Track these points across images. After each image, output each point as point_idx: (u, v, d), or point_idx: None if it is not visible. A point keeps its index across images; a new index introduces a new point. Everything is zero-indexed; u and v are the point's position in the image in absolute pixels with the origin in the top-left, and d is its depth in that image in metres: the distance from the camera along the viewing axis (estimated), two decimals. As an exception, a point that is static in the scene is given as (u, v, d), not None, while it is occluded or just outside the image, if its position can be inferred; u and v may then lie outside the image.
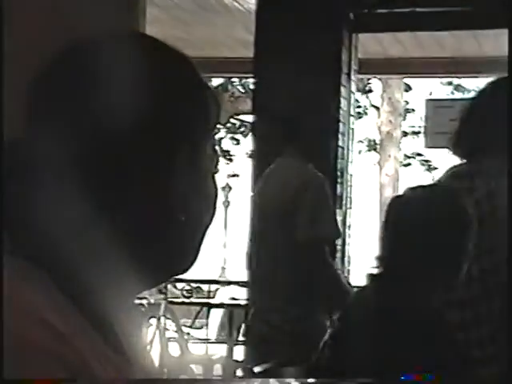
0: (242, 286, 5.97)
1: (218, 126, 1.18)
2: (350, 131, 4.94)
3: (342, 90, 4.82)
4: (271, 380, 1.54)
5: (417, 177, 16.53)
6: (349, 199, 4.91)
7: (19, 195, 1.05)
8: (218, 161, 1.12)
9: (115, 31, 1.14)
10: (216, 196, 1.11)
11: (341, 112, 4.81)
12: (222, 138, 16.52)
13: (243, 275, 4.88)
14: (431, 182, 4.08)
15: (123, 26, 1.26)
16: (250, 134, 13.51)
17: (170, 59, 1.10)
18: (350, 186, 4.93)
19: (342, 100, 4.82)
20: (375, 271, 2.44)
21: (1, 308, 0.96)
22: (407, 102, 15.99)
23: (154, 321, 6.16)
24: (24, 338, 0.93)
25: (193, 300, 7.50)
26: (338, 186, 4.76)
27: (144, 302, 5.88)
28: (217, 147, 1.13)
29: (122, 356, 1.09)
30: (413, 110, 16.70)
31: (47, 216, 1.02)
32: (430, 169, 17.65)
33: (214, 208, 1.11)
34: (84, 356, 0.97)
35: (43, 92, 1.08)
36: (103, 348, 1.05)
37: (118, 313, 1.09)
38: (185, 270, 1.10)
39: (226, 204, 17.66)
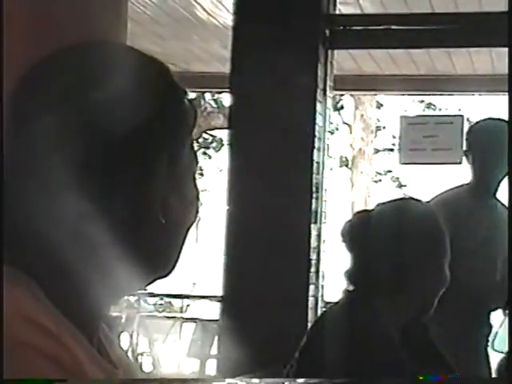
0: (214, 300, 5.95)
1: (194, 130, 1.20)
2: (326, 147, 4.96)
3: (318, 105, 4.84)
4: (270, 380, 1.51)
5: (388, 193, 16.61)
6: (324, 214, 4.92)
7: (9, 206, 1.04)
8: (197, 162, 1.13)
9: (90, 41, 1.14)
10: (197, 197, 1.12)
11: (316, 128, 4.83)
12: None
13: (213, 290, 4.88)
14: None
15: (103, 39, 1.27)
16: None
17: (144, 66, 1.10)
18: (325, 201, 4.95)
19: (318, 116, 4.84)
20: (347, 287, 2.44)
21: (1, 310, 0.97)
22: (379, 120, 16.08)
23: (126, 335, 6.13)
24: (18, 339, 0.93)
25: (165, 315, 7.47)
26: (314, 201, 4.78)
27: (117, 315, 5.85)
28: (195, 149, 1.13)
29: (107, 359, 1.10)
30: (384, 127, 16.80)
31: (30, 224, 1.02)
32: (400, 186, 17.77)
33: (196, 208, 1.11)
34: (77, 356, 0.98)
35: (26, 101, 1.07)
36: (92, 350, 1.05)
37: (100, 318, 1.10)
38: (168, 273, 1.10)
39: (197, 219, 17.63)
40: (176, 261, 1.11)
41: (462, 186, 3.94)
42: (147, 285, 1.14)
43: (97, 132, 1.03)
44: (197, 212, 1.12)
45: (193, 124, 1.12)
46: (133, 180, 1.04)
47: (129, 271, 1.07)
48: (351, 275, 2.37)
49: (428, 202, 3.73)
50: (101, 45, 1.14)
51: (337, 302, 2.43)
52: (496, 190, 3.88)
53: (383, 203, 2.44)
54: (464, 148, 4.04)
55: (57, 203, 1.02)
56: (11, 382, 0.93)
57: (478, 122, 4.11)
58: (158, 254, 1.09)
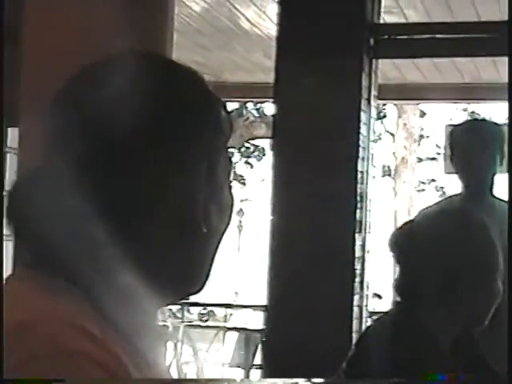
0: (257, 310, 5.94)
1: (232, 149, 1.21)
2: (370, 156, 4.95)
3: (362, 115, 4.84)
4: (276, 380, 1.48)
5: (431, 203, 16.46)
6: (368, 224, 4.91)
7: (37, 211, 1.04)
8: (231, 170, 1.13)
9: (128, 52, 1.14)
10: (232, 205, 1.12)
11: (361, 137, 4.83)
12: (236, 163, 16.53)
13: (256, 299, 4.87)
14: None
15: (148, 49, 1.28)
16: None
17: (180, 77, 1.11)
18: (369, 210, 4.93)
19: (362, 125, 4.83)
20: (395, 298, 2.40)
21: (1, 310, 0.98)
22: (422, 128, 15.97)
23: (170, 345, 6.14)
24: (72, 349, 0.94)
25: (209, 324, 7.48)
26: (358, 210, 4.77)
27: (164, 324, 5.87)
28: (231, 158, 1.14)
29: (149, 366, 1.09)
30: (427, 136, 16.69)
31: (66, 230, 1.02)
32: (444, 195, 17.62)
33: (230, 218, 1.12)
34: (122, 360, 0.98)
35: (62, 107, 1.08)
36: (136, 356, 1.04)
37: (141, 326, 1.09)
38: (202, 285, 1.11)
39: (240, 228, 17.63)
40: (209, 273, 1.10)
41: (456, 195, 3.88)
42: (181, 299, 1.14)
43: (139, 142, 1.04)
44: (230, 220, 1.12)
45: (229, 133, 1.13)
46: (176, 190, 1.05)
47: (169, 280, 1.07)
48: (399, 286, 2.33)
49: (421, 212, 3.72)
50: (137, 55, 1.14)
51: (385, 313, 2.40)
52: (489, 188, 3.77)
53: (428, 209, 2.40)
54: (448, 154, 4.02)
55: (103, 214, 1.03)
56: (11, 382, 0.93)
57: (456, 126, 4.10)
58: (196, 266, 1.09)
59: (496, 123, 4.22)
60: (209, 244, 1.09)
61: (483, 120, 4.02)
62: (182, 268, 1.08)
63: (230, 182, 1.13)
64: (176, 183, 1.05)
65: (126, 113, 1.04)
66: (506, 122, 4.90)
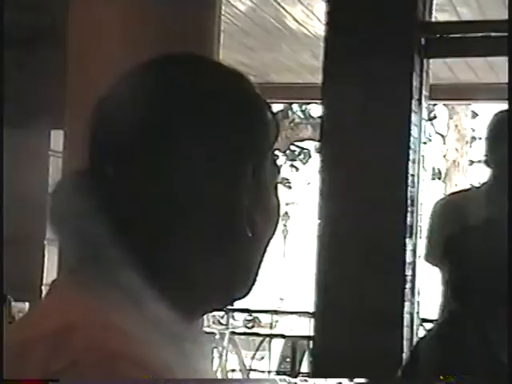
0: (303, 316, 5.92)
1: (277, 151, 1.21)
2: (421, 159, 4.91)
3: (413, 116, 4.80)
4: (276, 379, 1.47)
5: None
6: (419, 229, 4.87)
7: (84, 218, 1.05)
8: (278, 173, 1.14)
9: (174, 54, 1.14)
10: (278, 209, 1.12)
11: (411, 139, 4.79)
12: (281, 165, 16.56)
13: (302, 306, 4.87)
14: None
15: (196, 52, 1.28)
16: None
17: (226, 79, 1.11)
18: (421, 215, 4.89)
19: (413, 127, 4.80)
20: (451, 305, 2.37)
21: (1, 311, 0.99)
22: (474, 130, 15.83)
23: (216, 352, 6.16)
24: (103, 348, 0.95)
25: (254, 331, 7.50)
26: (409, 214, 4.74)
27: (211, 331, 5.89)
28: (276, 160, 1.14)
29: (194, 370, 1.10)
30: (479, 138, 16.52)
31: (106, 234, 1.04)
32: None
33: (276, 222, 1.12)
34: (163, 361, 0.99)
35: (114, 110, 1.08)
36: (178, 358, 1.05)
37: (185, 330, 1.09)
38: (247, 292, 1.10)
39: (285, 232, 17.64)
40: (255, 278, 1.10)
41: (483, 184, 3.66)
42: (227, 304, 1.15)
43: (182, 145, 1.04)
44: (277, 224, 1.12)
45: (275, 136, 1.12)
46: (218, 192, 1.05)
47: (214, 286, 1.08)
48: (456, 293, 2.30)
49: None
50: (182, 58, 1.15)
51: (442, 321, 2.37)
52: None
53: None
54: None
55: (145, 217, 1.04)
56: (10, 382, 0.94)
57: (502, 112, 3.68)
58: (242, 271, 1.09)
59: None
60: (254, 249, 1.09)
61: None
62: (227, 273, 1.08)
63: (277, 185, 1.13)
64: (219, 185, 1.05)
65: (171, 116, 1.05)
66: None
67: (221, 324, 7.20)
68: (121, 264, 1.03)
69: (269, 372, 6.94)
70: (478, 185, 3.74)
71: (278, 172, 1.13)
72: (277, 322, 8.86)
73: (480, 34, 4.90)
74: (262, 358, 7.57)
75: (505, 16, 5.03)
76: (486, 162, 3.54)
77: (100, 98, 1.10)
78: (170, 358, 1.01)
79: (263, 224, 1.08)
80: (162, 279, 1.04)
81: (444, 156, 14.40)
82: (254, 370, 7.06)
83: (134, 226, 1.04)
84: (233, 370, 6.60)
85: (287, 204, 17.87)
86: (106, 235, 1.03)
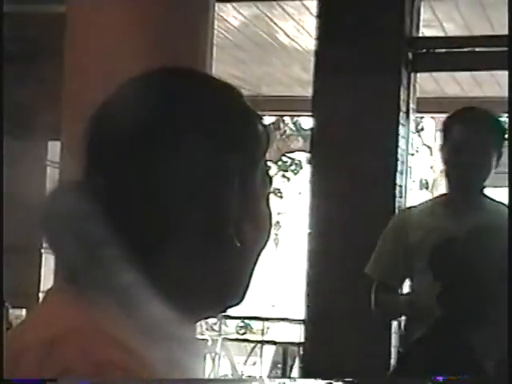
0: (294, 323, 5.91)
1: (270, 162, 1.20)
2: (408, 169, 4.93)
3: (401, 128, 4.82)
4: (276, 380, 1.44)
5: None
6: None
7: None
8: (270, 184, 1.11)
9: (165, 68, 1.13)
10: (270, 218, 1.10)
11: (399, 151, 4.81)
12: (273, 176, 16.50)
13: (293, 312, 4.87)
14: None
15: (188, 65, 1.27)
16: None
17: (218, 92, 1.11)
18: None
19: (401, 139, 4.81)
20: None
21: (1, 313, 0.99)
22: (460, 142, 15.84)
23: (209, 357, 6.15)
24: (93, 356, 0.93)
25: (246, 337, 7.49)
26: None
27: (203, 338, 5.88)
28: (269, 171, 1.12)
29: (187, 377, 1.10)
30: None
31: (98, 244, 1.02)
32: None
33: (268, 232, 1.10)
34: (153, 370, 0.97)
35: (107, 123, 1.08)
36: (172, 366, 1.04)
37: (178, 338, 1.07)
38: (239, 301, 1.10)
39: (277, 241, 17.62)
40: (247, 287, 1.09)
41: (443, 195, 3.40)
42: (220, 312, 1.13)
43: (175, 155, 1.04)
44: (269, 235, 1.10)
45: (266, 147, 1.11)
46: (205, 204, 1.04)
47: (205, 294, 1.07)
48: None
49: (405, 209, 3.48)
50: (175, 72, 1.14)
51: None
52: (479, 189, 3.24)
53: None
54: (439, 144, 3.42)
55: (136, 228, 1.03)
56: (9, 382, 0.95)
57: (453, 114, 3.46)
58: (232, 280, 1.08)
59: (498, 117, 3.59)
60: (245, 258, 1.08)
61: (483, 110, 3.40)
62: (218, 281, 1.07)
63: (268, 196, 1.11)
64: (206, 196, 1.04)
65: (162, 128, 1.04)
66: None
67: (213, 330, 7.18)
68: (114, 273, 1.02)
69: (260, 377, 6.93)
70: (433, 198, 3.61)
71: (270, 183, 1.11)
72: (268, 328, 8.84)
73: (465, 49, 4.93)
74: (254, 363, 7.55)
75: (489, 32, 5.07)
76: (449, 168, 3.29)
77: (94, 110, 1.10)
78: (162, 365, 1.00)
79: (253, 234, 1.07)
80: (155, 288, 1.02)
81: (431, 167, 14.40)
82: (246, 376, 7.07)
83: (124, 235, 1.02)
84: (225, 375, 6.58)
85: (279, 214, 17.85)
86: (98, 244, 1.02)
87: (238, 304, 1.10)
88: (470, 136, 3.20)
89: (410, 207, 3.63)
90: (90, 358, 0.94)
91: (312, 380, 1.67)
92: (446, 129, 3.34)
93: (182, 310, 1.06)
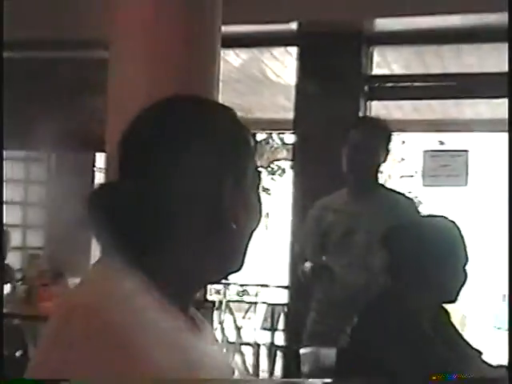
0: (281, 288, 5.87)
1: (261, 168, 1.17)
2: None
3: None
4: (278, 380, 1.33)
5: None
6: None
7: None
8: (259, 178, 1.10)
9: (180, 96, 1.12)
10: (260, 207, 1.09)
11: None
12: (261, 172, 16.45)
13: (281, 280, 4.86)
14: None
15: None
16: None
17: (220, 114, 1.10)
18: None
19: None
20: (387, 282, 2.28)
21: (1, 311, 0.96)
22: (402, 153, 15.83)
23: (216, 314, 6.13)
24: (106, 318, 0.90)
25: (244, 299, 7.46)
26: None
27: (212, 300, 5.87)
28: (259, 169, 1.11)
29: (199, 329, 1.08)
30: (403, 159, 16.49)
31: (129, 225, 1.00)
32: (420, 203, 17.43)
33: (258, 218, 1.09)
34: (166, 330, 0.95)
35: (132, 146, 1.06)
36: (184, 321, 1.03)
37: (190, 299, 1.08)
38: (238, 269, 1.08)
39: (266, 227, 17.58)
40: (243, 259, 1.08)
41: (340, 190, 3.29)
42: (224, 277, 1.11)
43: (186, 163, 1.02)
44: (259, 219, 1.09)
45: (254, 153, 1.10)
46: (208, 198, 1.03)
47: (211, 264, 1.06)
48: (388, 274, 2.27)
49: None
50: (188, 98, 1.12)
51: (378, 295, 2.29)
52: (372, 181, 3.17)
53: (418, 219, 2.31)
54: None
55: (162, 213, 1.01)
56: (8, 382, 0.93)
57: (356, 122, 3.36)
58: (231, 253, 1.07)
59: (383, 121, 3.37)
60: (240, 237, 1.06)
61: (375, 119, 3.34)
62: (220, 254, 1.05)
63: (258, 189, 1.10)
64: (208, 192, 1.03)
65: (178, 142, 1.02)
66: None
67: (219, 294, 7.14)
68: (141, 253, 1.00)
69: (254, 328, 6.92)
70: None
71: (259, 178, 1.10)
72: (260, 292, 8.82)
73: (407, 84, 4.93)
74: (250, 318, 7.53)
75: (424, 71, 5.04)
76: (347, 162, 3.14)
77: (125, 129, 1.09)
78: (175, 322, 0.99)
79: (246, 218, 1.06)
80: (172, 261, 1.02)
81: (382, 172, 14.38)
82: (244, 327, 7.06)
83: (149, 222, 1.01)
84: (228, 327, 6.56)
85: (268, 206, 17.79)
86: (130, 229, 1.01)
87: (237, 271, 1.08)
88: (359, 138, 3.12)
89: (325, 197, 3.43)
90: (109, 325, 0.91)
91: (312, 380, 1.54)
92: (346, 133, 3.23)
93: (193, 277, 1.05)
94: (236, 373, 1.11)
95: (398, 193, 3.29)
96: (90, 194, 1.03)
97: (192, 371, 0.96)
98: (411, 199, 3.31)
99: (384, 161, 3.18)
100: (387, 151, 3.18)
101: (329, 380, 1.90)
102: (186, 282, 1.04)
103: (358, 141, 3.13)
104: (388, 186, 3.46)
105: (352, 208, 3.17)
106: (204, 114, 1.08)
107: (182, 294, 1.04)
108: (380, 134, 3.18)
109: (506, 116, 3.98)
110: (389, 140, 3.19)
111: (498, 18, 3.97)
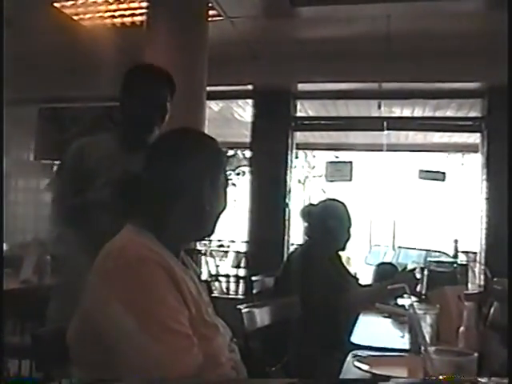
0: (244, 242, 5.78)
1: (229, 169, 1.15)
2: (292, 177, 4.87)
3: (288, 156, 4.79)
4: (272, 380, 1.20)
5: (318, 196, 16.25)
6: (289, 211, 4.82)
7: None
8: (227, 181, 1.08)
9: (183, 128, 1.08)
10: (226, 197, 1.06)
11: (288, 165, 4.76)
12: (230, 174, 16.34)
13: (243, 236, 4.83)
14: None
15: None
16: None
17: (206, 140, 1.07)
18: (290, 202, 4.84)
19: (283, 161, 4.71)
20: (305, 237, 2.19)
21: (1, 310, 0.93)
22: (314, 163, 15.84)
23: (203, 258, 6.03)
24: (138, 254, 0.89)
25: (221, 249, 7.39)
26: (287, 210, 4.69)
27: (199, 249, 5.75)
28: (227, 177, 1.08)
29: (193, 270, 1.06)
30: (314, 166, 16.51)
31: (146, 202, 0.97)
32: (324, 192, 17.39)
33: (224, 204, 1.06)
34: (172, 266, 0.93)
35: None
36: (180, 264, 1.00)
37: (181, 249, 1.05)
38: (210, 235, 1.06)
39: (234, 208, 17.39)
40: (214, 228, 1.05)
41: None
42: (201, 239, 1.09)
43: (183, 173, 1.00)
44: (225, 205, 1.06)
45: (225, 163, 1.08)
46: (191, 191, 1.00)
47: (190, 232, 1.03)
48: (308, 234, 2.24)
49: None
50: (184, 129, 1.10)
51: (298, 248, 2.22)
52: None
53: (322, 201, 2.23)
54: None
55: (163, 196, 0.98)
56: (8, 382, 0.88)
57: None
58: (205, 224, 1.04)
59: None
60: (212, 215, 1.03)
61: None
62: (197, 226, 1.03)
63: (226, 186, 1.07)
64: (194, 188, 1.00)
65: (178, 158, 1.00)
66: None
67: (205, 246, 7.03)
68: (151, 223, 0.98)
69: (227, 268, 6.85)
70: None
71: (227, 180, 1.08)
72: (231, 245, 8.73)
73: (319, 122, 4.93)
74: (224, 260, 7.48)
75: (328, 114, 5.05)
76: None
77: (150, 143, 1.08)
78: (174, 264, 0.96)
79: (217, 204, 1.03)
80: (168, 229, 0.99)
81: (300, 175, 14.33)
82: (221, 267, 6.97)
83: (157, 204, 0.98)
84: (210, 266, 6.45)
85: (235, 195, 17.57)
86: (145, 207, 0.98)
87: (209, 236, 1.05)
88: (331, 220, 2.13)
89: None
90: (136, 255, 0.89)
91: (313, 380, 1.22)
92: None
93: (182, 237, 1.02)
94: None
95: None
96: (122, 182, 1.01)
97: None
98: None
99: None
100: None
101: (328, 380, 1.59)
102: (177, 240, 1.02)
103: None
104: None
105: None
106: (195, 139, 1.05)
107: (175, 247, 1.02)
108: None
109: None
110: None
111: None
